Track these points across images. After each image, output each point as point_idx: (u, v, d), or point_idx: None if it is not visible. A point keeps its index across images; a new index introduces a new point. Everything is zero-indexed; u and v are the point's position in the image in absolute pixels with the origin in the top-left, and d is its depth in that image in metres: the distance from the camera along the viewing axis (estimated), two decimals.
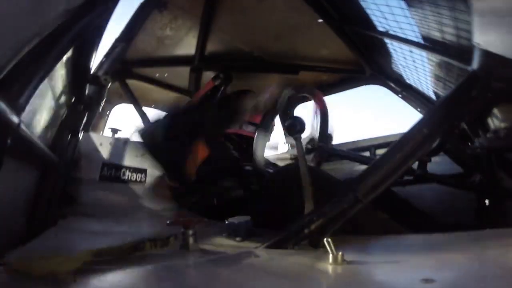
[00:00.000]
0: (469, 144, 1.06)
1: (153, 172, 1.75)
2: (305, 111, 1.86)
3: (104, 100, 1.33)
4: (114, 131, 1.87)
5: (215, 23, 1.87)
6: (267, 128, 1.43)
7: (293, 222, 0.80)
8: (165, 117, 1.56)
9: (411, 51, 1.40)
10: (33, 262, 0.52)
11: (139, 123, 2.12)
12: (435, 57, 1.29)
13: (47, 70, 0.63)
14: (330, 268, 0.57)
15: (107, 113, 2.29)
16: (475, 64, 0.79)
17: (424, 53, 1.35)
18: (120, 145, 1.71)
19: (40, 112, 0.85)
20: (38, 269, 0.50)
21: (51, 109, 0.97)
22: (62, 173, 1.08)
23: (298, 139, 1.10)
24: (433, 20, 1.14)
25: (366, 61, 1.81)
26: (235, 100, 1.64)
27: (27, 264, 0.51)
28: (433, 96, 1.56)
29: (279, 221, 1.13)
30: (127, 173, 1.64)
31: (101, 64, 1.66)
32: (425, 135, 0.80)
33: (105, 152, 1.63)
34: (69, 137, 1.13)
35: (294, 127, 1.12)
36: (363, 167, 0.84)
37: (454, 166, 1.32)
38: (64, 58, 0.84)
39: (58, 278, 0.48)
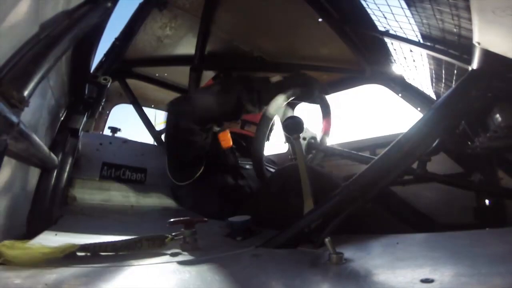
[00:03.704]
0: (469, 143, 1.06)
1: (153, 171, 1.76)
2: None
3: (104, 100, 1.33)
4: (114, 130, 1.87)
5: (215, 22, 1.87)
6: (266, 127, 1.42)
7: (294, 221, 0.80)
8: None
9: (411, 51, 1.40)
10: (13, 250, 0.52)
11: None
12: (435, 56, 1.29)
13: (47, 70, 0.63)
14: (330, 268, 0.57)
15: (107, 112, 2.29)
16: (475, 63, 0.79)
17: (424, 53, 1.35)
18: (120, 144, 1.72)
19: (40, 112, 0.84)
20: (17, 258, 0.50)
21: (51, 109, 0.97)
22: (62, 173, 1.08)
23: (296, 138, 1.10)
24: (433, 19, 1.14)
25: (366, 60, 1.81)
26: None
27: (6, 252, 0.51)
28: (433, 96, 1.56)
29: (280, 221, 1.13)
30: (127, 172, 1.65)
31: (101, 64, 1.66)
32: (425, 135, 0.80)
33: (105, 151, 1.64)
34: (69, 137, 1.13)
35: (292, 127, 1.12)
36: (363, 166, 0.84)
37: (454, 165, 1.32)
38: (64, 58, 0.83)
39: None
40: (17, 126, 0.52)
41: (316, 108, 1.70)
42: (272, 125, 1.65)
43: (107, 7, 0.94)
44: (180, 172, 1.60)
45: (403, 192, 1.40)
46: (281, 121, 1.42)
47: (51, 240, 0.80)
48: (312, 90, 1.53)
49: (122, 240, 0.67)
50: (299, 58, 2.01)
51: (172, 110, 1.52)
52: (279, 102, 1.37)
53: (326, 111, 1.66)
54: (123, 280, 0.52)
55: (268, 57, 2.07)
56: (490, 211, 1.13)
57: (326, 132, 1.65)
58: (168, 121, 1.55)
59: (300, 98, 1.55)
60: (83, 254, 0.62)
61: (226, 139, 1.68)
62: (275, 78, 1.61)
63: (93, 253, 0.62)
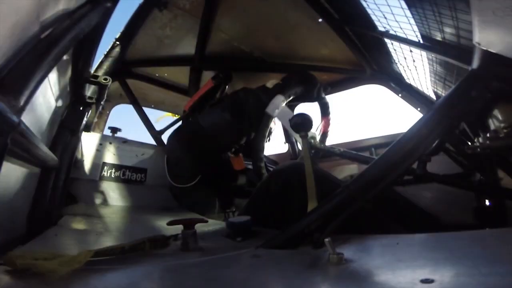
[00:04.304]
0: (469, 143, 1.06)
1: (153, 171, 1.76)
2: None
3: (104, 100, 1.33)
4: (114, 130, 1.87)
5: (215, 23, 1.87)
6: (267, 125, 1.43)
7: (294, 221, 0.80)
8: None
9: (411, 51, 1.40)
10: (34, 261, 0.52)
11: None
12: (435, 57, 1.29)
13: (47, 70, 0.63)
14: (330, 268, 0.57)
15: (107, 113, 2.29)
16: (475, 63, 0.79)
17: (424, 53, 1.35)
18: (120, 144, 1.72)
19: (40, 112, 0.84)
20: (38, 268, 0.50)
21: (51, 109, 0.97)
22: (62, 173, 1.08)
23: (304, 136, 1.10)
24: (433, 20, 1.14)
25: (367, 60, 1.81)
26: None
27: (28, 263, 0.51)
28: (433, 96, 1.56)
29: (280, 220, 1.13)
30: (127, 173, 1.65)
31: (101, 64, 1.66)
32: (424, 135, 0.80)
33: (105, 151, 1.64)
34: (69, 137, 1.13)
35: (300, 124, 1.11)
36: (363, 166, 0.84)
37: (454, 166, 1.32)
38: (64, 58, 0.83)
39: (57, 277, 0.48)
40: (18, 126, 0.52)
41: (314, 107, 1.72)
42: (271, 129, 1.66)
43: (107, 7, 0.94)
44: (180, 176, 1.61)
45: (403, 192, 1.40)
46: (280, 120, 1.44)
47: (51, 240, 0.80)
48: (311, 87, 1.53)
49: (128, 243, 0.67)
50: (299, 58, 2.01)
51: (185, 145, 1.53)
52: (278, 101, 1.38)
53: (325, 111, 1.66)
54: (123, 282, 0.52)
55: (268, 57, 2.07)
56: (490, 211, 1.13)
57: (325, 132, 1.65)
58: (176, 154, 1.57)
59: (300, 97, 1.55)
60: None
61: (240, 163, 1.70)
62: (271, 82, 1.63)
63: (103, 256, 0.62)
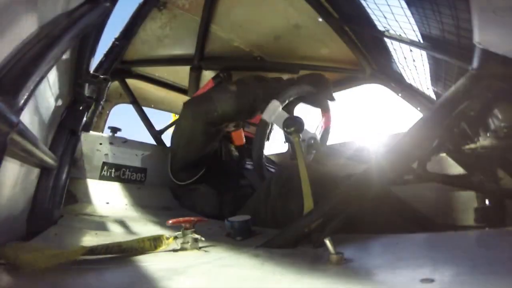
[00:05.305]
0: (469, 144, 1.06)
1: (153, 171, 1.76)
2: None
3: (104, 99, 1.33)
4: (114, 130, 1.87)
5: (215, 22, 1.87)
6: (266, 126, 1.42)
7: (295, 221, 0.80)
8: None
9: (411, 50, 1.40)
10: (23, 255, 0.52)
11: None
12: (435, 56, 1.29)
13: (46, 70, 0.63)
14: (330, 268, 0.57)
15: (107, 112, 2.29)
16: (475, 63, 0.79)
17: (424, 52, 1.35)
18: (120, 144, 1.72)
19: (40, 112, 0.84)
20: (19, 261, 0.49)
21: (51, 109, 0.97)
22: (62, 173, 1.08)
23: (296, 138, 1.10)
24: (433, 19, 1.14)
25: (366, 60, 1.81)
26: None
27: (8, 255, 0.51)
28: (433, 96, 1.56)
29: (280, 221, 1.13)
30: (127, 172, 1.65)
31: (100, 64, 1.66)
32: (425, 135, 0.80)
33: (105, 151, 1.64)
34: (69, 137, 1.13)
35: (292, 127, 1.12)
36: (363, 166, 0.84)
37: (454, 165, 1.32)
38: (64, 57, 0.83)
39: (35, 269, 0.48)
40: (17, 126, 0.52)
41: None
42: (271, 126, 1.66)
43: (106, 6, 0.93)
44: (182, 173, 1.61)
45: (403, 192, 1.39)
46: (276, 124, 1.42)
47: (51, 240, 0.80)
48: (320, 92, 1.53)
49: (126, 241, 0.67)
50: (299, 58, 2.01)
51: (191, 111, 1.52)
52: (273, 107, 1.37)
53: (325, 106, 1.65)
54: (123, 281, 0.52)
55: (268, 57, 2.07)
56: (490, 211, 1.13)
57: (326, 128, 1.64)
58: (184, 121, 1.56)
59: (305, 99, 1.54)
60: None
61: (240, 137, 1.70)
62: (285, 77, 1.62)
63: (99, 254, 0.62)
